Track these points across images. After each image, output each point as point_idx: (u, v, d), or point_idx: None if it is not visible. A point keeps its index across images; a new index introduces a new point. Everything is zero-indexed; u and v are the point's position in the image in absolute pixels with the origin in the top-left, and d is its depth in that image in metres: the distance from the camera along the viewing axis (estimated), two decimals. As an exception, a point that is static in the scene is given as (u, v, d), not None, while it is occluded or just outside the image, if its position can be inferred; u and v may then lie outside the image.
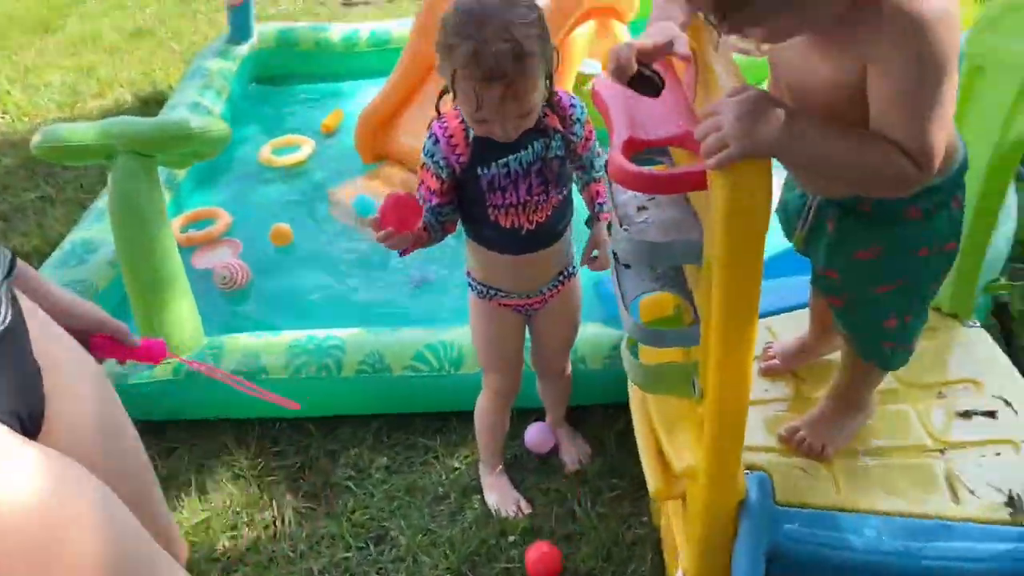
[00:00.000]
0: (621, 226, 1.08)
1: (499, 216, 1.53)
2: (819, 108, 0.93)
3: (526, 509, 1.85)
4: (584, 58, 3.00)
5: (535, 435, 1.98)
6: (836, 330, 1.27)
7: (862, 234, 1.08)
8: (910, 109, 0.87)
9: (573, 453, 1.98)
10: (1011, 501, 1.20)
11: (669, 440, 1.33)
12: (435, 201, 1.52)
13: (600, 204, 1.65)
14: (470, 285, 1.70)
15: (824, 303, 1.37)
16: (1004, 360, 1.45)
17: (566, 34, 2.92)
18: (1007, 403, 1.35)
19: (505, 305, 1.69)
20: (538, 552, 1.69)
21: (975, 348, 1.48)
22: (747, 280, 0.93)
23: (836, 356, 1.46)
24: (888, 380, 1.37)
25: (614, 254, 1.20)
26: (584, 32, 2.99)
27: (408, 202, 1.46)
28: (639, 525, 1.83)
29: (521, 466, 1.99)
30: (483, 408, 1.86)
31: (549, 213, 1.55)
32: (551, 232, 1.58)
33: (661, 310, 1.19)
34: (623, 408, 2.03)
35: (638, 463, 1.87)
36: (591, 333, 2.05)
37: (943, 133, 0.88)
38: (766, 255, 0.92)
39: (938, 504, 1.22)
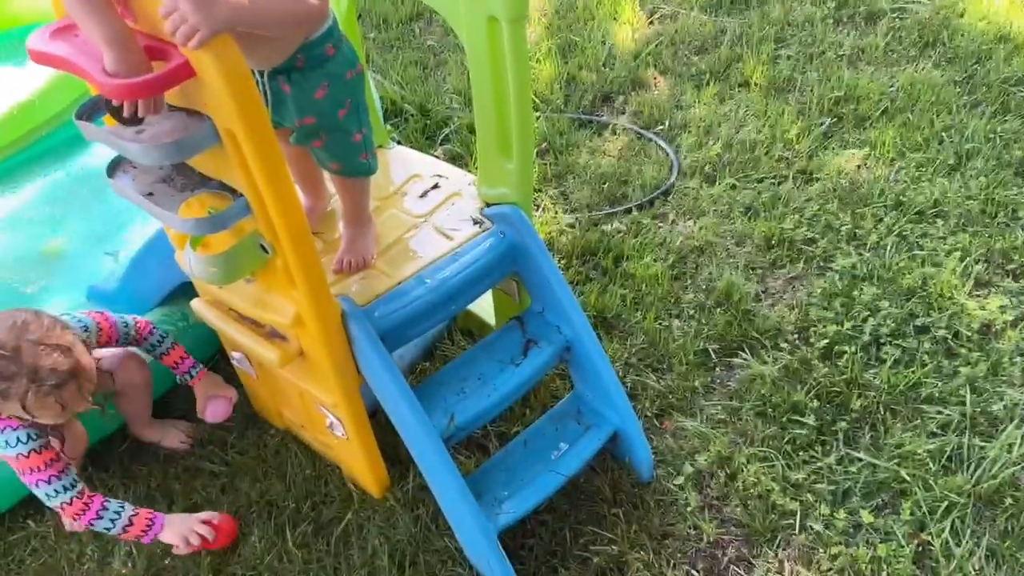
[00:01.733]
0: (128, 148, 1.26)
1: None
2: None
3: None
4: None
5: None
6: (324, 167, 1.68)
7: (311, 80, 1.46)
8: None
9: (175, 435, 2.06)
10: (475, 222, 1.84)
11: (265, 313, 1.60)
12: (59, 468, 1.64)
13: (192, 366, 1.93)
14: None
15: (306, 166, 1.77)
16: (425, 157, 2.09)
17: None
18: (441, 176, 1.98)
19: None
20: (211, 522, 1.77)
21: (404, 157, 2.09)
22: (263, 128, 1.24)
23: (333, 207, 1.91)
24: (372, 206, 1.87)
25: (146, 193, 1.38)
26: None
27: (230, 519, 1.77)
28: (276, 434, 2.07)
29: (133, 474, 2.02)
30: None
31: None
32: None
33: (200, 209, 1.41)
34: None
35: (238, 400, 2.08)
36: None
37: None
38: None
39: (443, 247, 1.78)
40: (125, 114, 1.25)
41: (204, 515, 1.75)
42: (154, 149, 1.24)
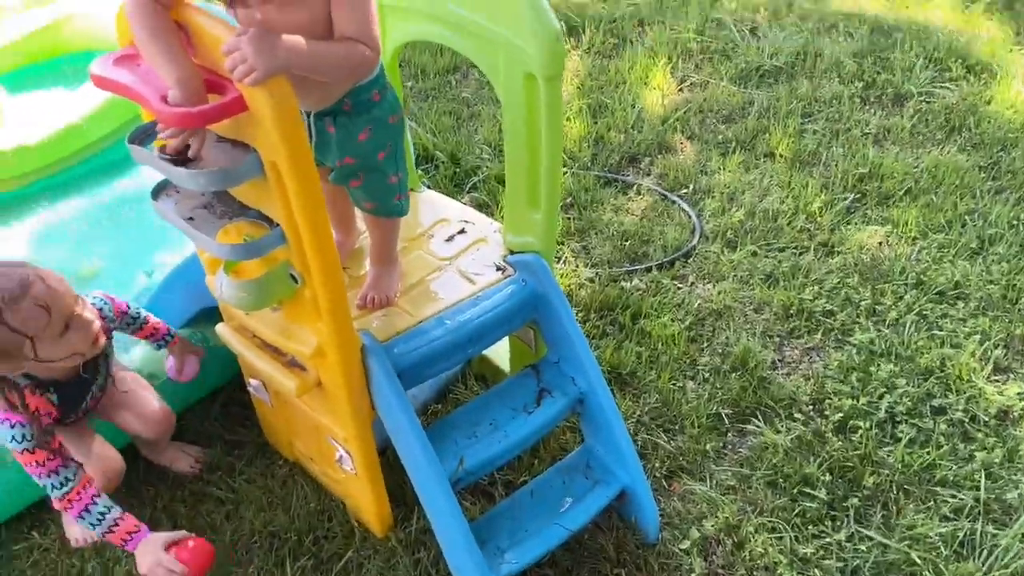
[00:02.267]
0: (180, 180, 1.31)
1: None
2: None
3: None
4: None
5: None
6: (359, 206, 1.72)
7: (356, 123, 1.52)
8: (353, 13, 1.33)
9: (185, 460, 2.07)
10: (498, 268, 1.87)
11: (288, 342, 1.63)
12: (55, 464, 1.62)
13: (167, 332, 1.94)
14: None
15: (341, 204, 1.82)
16: (454, 202, 2.14)
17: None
18: (467, 222, 2.03)
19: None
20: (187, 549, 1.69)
21: (433, 201, 2.14)
22: (306, 165, 1.29)
23: (361, 244, 1.96)
24: (399, 246, 1.91)
25: (187, 218, 1.44)
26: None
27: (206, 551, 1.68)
28: (284, 464, 2.07)
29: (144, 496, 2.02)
30: None
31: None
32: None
33: (236, 236, 1.45)
34: (208, 399, 2.22)
35: (244, 429, 2.11)
36: (147, 352, 2.11)
37: (377, 26, 1.38)
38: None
39: (465, 290, 1.81)
40: (171, 149, 1.32)
41: (179, 536, 1.69)
42: (201, 175, 1.29)
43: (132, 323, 1.90)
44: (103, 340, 1.68)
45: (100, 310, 1.78)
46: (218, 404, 2.21)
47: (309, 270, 1.43)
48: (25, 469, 1.64)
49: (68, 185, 2.97)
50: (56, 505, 1.65)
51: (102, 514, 1.64)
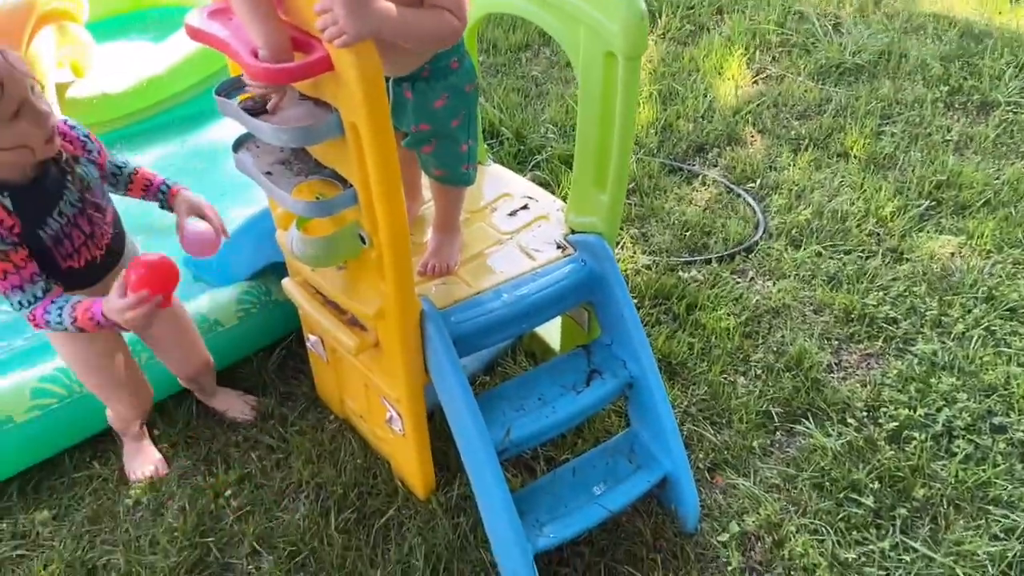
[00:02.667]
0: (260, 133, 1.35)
1: (72, 262, 1.59)
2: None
3: (163, 470, 2.00)
4: (52, 68, 2.89)
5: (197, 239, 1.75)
6: (429, 174, 1.75)
7: (434, 89, 1.54)
8: None
9: (240, 407, 2.14)
10: (559, 247, 1.88)
11: (351, 301, 1.67)
12: (29, 274, 1.51)
13: (162, 182, 1.77)
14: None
15: (410, 170, 1.85)
16: (518, 177, 2.15)
17: (27, 47, 2.78)
18: (531, 198, 2.04)
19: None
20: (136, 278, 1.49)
21: (498, 176, 2.15)
22: (385, 128, 1.31)
23: (424, 213, 1.99)
24: (462, 217, 1.93)
25: (265, 172, 1.47)
26: (46, 42, 2.87)
27: (164, 266, 1.47)
28: (334, 420, 2.13)
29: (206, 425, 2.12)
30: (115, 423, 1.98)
31: (109, 231, 1.67)
32: (118, 245, 1.71)
33: (310, 194, 1.49)
34: (266, 351, 2.28)
35: (298, 382, 2.17)
36: (213, 300, 2.19)
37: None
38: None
39: (524, 265, 1.82)
40: (257, 101, 1.35)
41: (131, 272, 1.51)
42: (283, 132, 1.33)
43: (118, 173, 1.73)
44: (58, 142, 1.50)
45: (82, 140, 1.61)
46: (276, 356, 2.28)
47: (378, 232, 1.46)
48: None
49: (145, 135, 3.08)
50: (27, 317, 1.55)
51: (60, 308, 1.53)
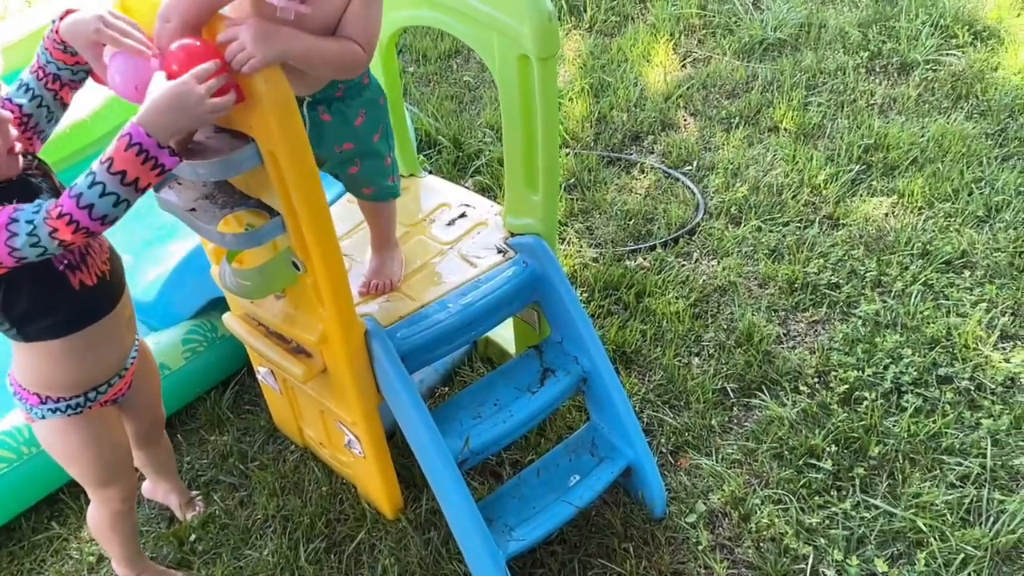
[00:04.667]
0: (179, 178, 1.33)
1: (82, 275, 1.37)
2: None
3: None
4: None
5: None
6: (359, 195, 1.73)
7: (352, 108, 1.54)
8: (364, 20, 1.35)
9: (189, 504, 1.98)
10: (499, 251, 1.89)
11: (293, 329, 1.65)
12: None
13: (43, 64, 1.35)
14: (51, 411, 1.46)
15: None
16: (455, 186, 2.15)
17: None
18: (468, 206, 2.04)
19: (105, 403, 1.53)
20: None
21: (434, 187, 2.15)
22: (303, 152, 1.31)
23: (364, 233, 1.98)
24: (400, 231, 1.93)
25: (189, 209, 1.45)
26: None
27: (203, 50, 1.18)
28: (295, 450, 2.11)
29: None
30: (110, 521, 1.65)
31: (104, 237, 1.46)
32: (117, 264, 1.50)
33: (238, 225, 1.47)
34: (219, 388, 2.25)
35: (254, 416, 2.13)
36: (157, 343, 2.15)
37: (379, 32, 1.40)
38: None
39: (466, 273, 1.83)
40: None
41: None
42: (200, 166, 1.31)
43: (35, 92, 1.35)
44: (18, 148, 1.30)
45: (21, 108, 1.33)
46: (229, 392, 2.24)
47: (310, 257, 1.45)
48: None
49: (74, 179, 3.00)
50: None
51: (28, 223, 1.19)
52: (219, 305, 2.07)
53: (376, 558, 1.82)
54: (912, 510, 1.82)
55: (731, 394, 2.15)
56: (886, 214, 2.70)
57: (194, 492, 2.01)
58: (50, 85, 1.35)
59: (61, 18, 1.30)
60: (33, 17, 3.50)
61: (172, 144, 1.21)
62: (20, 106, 1.33)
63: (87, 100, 3.03)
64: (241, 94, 1.24)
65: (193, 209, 1.48)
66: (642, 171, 3.02)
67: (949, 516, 1.80)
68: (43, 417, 1.47)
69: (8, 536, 1.96)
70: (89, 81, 1.40)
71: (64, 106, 1.40)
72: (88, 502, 1.68)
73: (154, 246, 2.36)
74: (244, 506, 1.98)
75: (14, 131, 1.30)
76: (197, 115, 1.18)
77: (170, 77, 1.20)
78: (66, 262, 1.35)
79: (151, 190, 1.45)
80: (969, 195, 2.72)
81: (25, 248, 1.18)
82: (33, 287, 1.31)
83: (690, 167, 3.01)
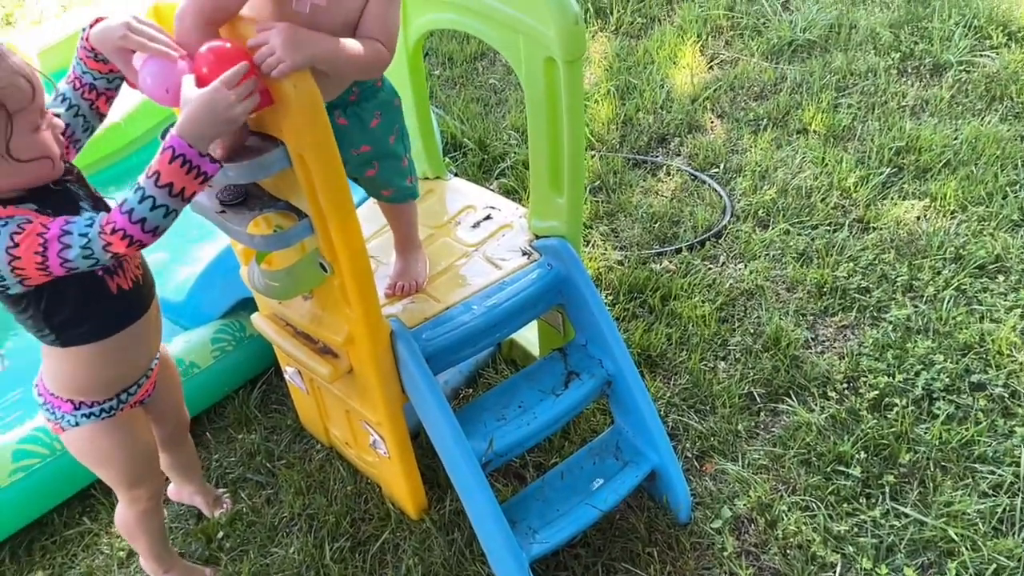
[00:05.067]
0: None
1: (119, 279, 1.39)
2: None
3: None
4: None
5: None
6: (378, 197, 1.75)
7: (367, 110, 1.55)
8: (384, 18, 1.36)
9: (211, 501, 2.00)
10: (524, 253, 1.89)
11: (320, 329, 1.67)
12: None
13: (79, 74, 1.39)
14: (85, 417, 1.47)
15: None
16: (480, 189, 2.16)
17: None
18: (493, 208, 2.04)
19: (134, 405, 1.55)
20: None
21: (460, 189, 2.16)
22: (332, 154, 1.32)
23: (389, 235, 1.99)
24: (425, 233, 1.94)
25: (220, 202, 1.47)
26: None
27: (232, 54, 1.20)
28: (321, 449, 2.13)
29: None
30: (138, 520, 1.67)
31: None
32: (147, 266, 1.52)
33: (267, 227, 1.49)
34: (247, 387, 2.27)
35: (281, 415, 2.14)
36: (187, 342, 2.18)
37: (399, 28, 1.41)
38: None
39: (491, 275, 1.83)
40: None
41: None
42: (230, 168, 1.33)
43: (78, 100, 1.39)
44: (69, 155, 1.36)
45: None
46: (257, 391, 2.27)
47: (337, 259, 1.47)
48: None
49: (110, 182, 3.07)
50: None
51: (83, 236, 1.21)
52: (248, 305, 2.10)
53: (400, 558, 1.83)
54: (943, 519, 1.79)
55: (758, 399, 2.13)
56: (918, 217, 2.65)
57: (221, 489, 2.03)
58: (86, 95, 1.39)
59: (91, 26, 1.32)
60: (68, 22, 3.59)
61: (219, 149, 1.24)
62: (57, 115, 1.37)
63: (121, 103, 3.09)
64: (270, 98, 1.26)
65: (223, 211, 1.50)
66: (668, 173, 3.00)
67: (981, 525, 1.76)
68: (76, 424, 1.49)
69: (41, 531, 2.00)
70: (124, 86, 1.42)
71: (101, 116, 1.43)
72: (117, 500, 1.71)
73: (193, 244, 2.40)
74: (271, 504, 2.00)
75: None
76: (228, 119, 1.20)
77: (199, 79, 1.22)
78: (105, 267, 1.37)
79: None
80: (1004, 199, 2.66)
81: (78, 260, 1.22)
82: (77, 293, 1.34)
83: (717, 169, 2.99)
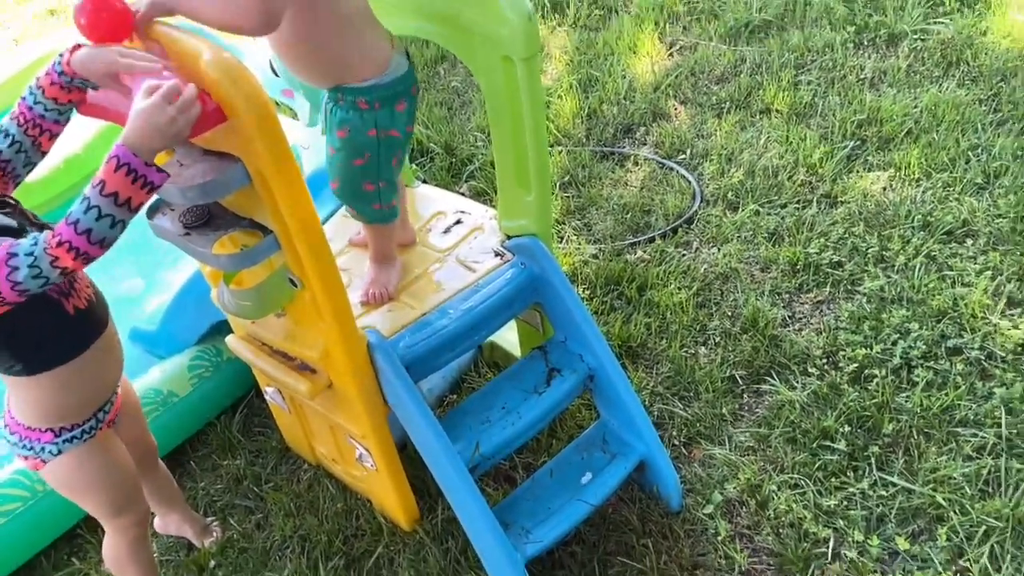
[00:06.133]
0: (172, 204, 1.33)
1: (75, 300, 1.38)
2: None
3: None
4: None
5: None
6: (349, 213, 1.74)
7: (339, 116, 1.54)
8: None
9: (205, 531, 1.98)
10: (497, 254, 1.88)
11: (295, 346, 1.65)
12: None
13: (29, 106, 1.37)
14: (67, 442, 1.46)
15: None
16: (448, 194, 2.15)
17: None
18: (463, 212, 2.04)
19: (109, 424, 1.55)
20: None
21: (428, 195, 2.15)
22: (290, 167, 1.30)
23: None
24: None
25: (183, 224, 1.45)
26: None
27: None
28: (308, 469, 2.10)
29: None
30: (128, 550, 1.66)
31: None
32: (95, 285, 1.51)
33: (233, 246, 1.47)
34: (228, 412, 2.24)
35: (265, 437, 2.12)
36: (163, 372, 2.15)
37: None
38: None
39: (465, 279, 1.82)
40: None
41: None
42: (190, 190, 1.31)
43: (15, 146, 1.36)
44: (7, 189, 1.35)
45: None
46: (239, 415, 2.24)
47: (306, 273, 1.45)
48: None
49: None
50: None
51: (28, 255, 1.19)
52: (224, 329, 2.07)
53: (396, 571, 1.82)
54: (930, 485, 1.81)
55: (740, 381, 2.14)
56: (884, 188, 2.68)
57: (210, 518, 2.01)
58: (30, 131, 1.36)
59: (71, 51, 1.31)
60: (20, 56, 3.52)
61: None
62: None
63: (81, 134, 3.04)
64: (223, 115, 1.24)
65: (187, 233, 1.48)
66: (636, 163, 3.01)
67: (968, 489, 1.78)
68: (59, 452, 1.47)
69: (29, 574, 1.97)
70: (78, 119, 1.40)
71: (42, 153, 1.41)
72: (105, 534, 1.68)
73: (167, 271, 2.35)
74: (261, 528, 1.98)
75: None
76: (172, 133, 1.19)
77: (79, 29, 1.26)
78: (58, 290, 1.36)
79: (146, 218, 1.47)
80: (966, 163, 2.70)
81: (28, 280, 1.20)
82: (35, 319, 1.33)
83: (684, 156, 3.00)
